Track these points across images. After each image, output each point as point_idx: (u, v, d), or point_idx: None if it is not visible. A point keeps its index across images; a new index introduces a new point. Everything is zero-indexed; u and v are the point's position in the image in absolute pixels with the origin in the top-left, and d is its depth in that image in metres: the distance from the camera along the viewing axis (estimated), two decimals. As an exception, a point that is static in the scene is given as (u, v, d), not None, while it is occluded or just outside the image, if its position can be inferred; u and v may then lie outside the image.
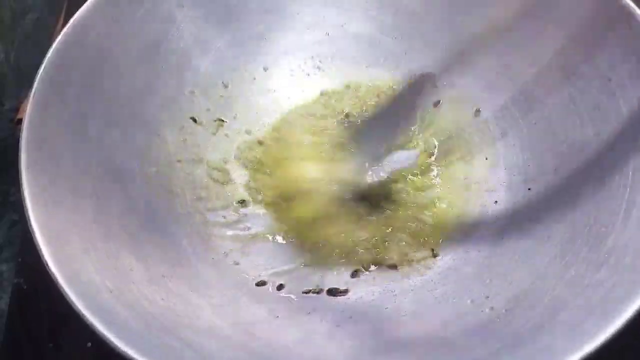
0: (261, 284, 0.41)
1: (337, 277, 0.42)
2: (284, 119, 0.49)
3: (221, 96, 0.48)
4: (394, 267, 0.42)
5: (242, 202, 0.45)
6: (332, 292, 0.41)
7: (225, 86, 0.48)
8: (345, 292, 0.41)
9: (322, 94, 0.50)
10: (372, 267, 0.42)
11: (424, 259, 0.42)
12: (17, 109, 0.50)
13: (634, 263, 0.32)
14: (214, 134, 0.47)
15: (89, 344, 0.41)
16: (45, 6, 0.54)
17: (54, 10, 0.55)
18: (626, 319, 0.29)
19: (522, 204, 0.42)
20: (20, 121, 0.36)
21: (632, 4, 0.38)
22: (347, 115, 0.49)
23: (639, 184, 0.35)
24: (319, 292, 0.41)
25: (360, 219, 0.44)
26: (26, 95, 0.37)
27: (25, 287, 0.44)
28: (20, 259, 0.45)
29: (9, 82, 0.50)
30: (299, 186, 0.45)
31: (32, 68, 0.37)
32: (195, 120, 0.46)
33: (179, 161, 0.45)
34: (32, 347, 0.42)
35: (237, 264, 0.42)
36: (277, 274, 0.42)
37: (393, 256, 0.42)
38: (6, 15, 0.50)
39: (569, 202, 0.38)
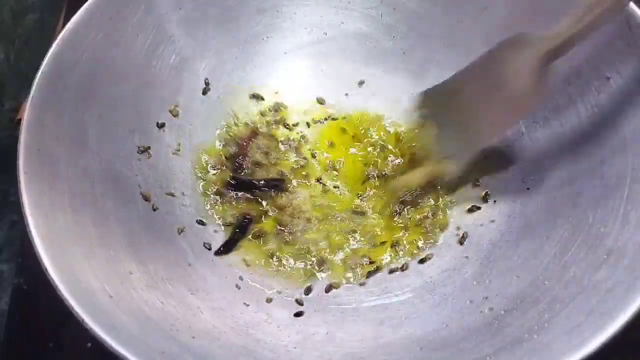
0: (260, 285, 0.41)
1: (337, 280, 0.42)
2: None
3: (219, 97, 0.48)
4: (395, 270, 0.42)
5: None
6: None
7: (224, 87, 0.48)
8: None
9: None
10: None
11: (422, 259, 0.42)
12: (17, 109, 0.50)
13: (633, 263, 0.32)
14: (213, 135, 0.47)
15: (89, 344, 0.41)
16: (45, 6, 0.54)
17: (54, 10, 0.55)
18: (625, 319, 0.29)
19: (520, 204, 0.42)
20: (20, 122, 0.36)
21: (632, 4, 0.38)
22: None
23: (637, 184, 0.35)
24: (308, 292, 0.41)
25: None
26: (26, 96, 0.37)
27: (25, 287, 0.44)
28: (20, 259, 0.45)
29: (9, 82, 0.50)
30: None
31: (32, 68, 0.37)
32: (193, 123, 0.47)
33: (177, 164, 0.45)
34: (32, 347, 0.42)
35: (236, 266, 0.42)
36: (277, 276, 0.42)
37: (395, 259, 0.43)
38: (6, 16, 0.50)
39: (567, 202, 0.38)
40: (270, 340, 0.36)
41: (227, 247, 0.42)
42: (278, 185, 0.45)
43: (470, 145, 0.42)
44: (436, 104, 0.45)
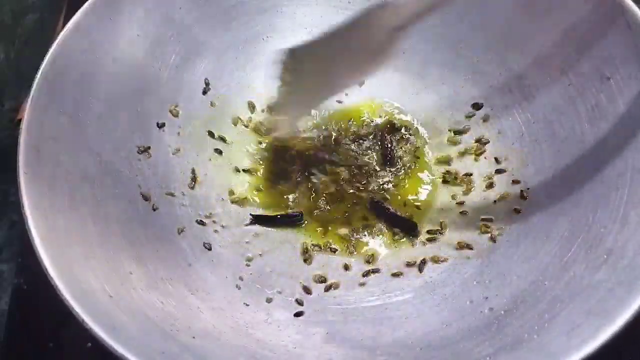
0: (260, 285, 0.41)
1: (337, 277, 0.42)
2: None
3: (219, 97, 0.48)
4: (397, 275, 0.42)
5: (238, 202, 0.45)
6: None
7: (224, 87, 0.48)
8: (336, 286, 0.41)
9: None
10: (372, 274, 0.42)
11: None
12: (17, 109, 0.50)
13: (633, 263, 0.32)
14: (213, 136, 0.47)
15: (89, 344, 0.41)
16: (45, 6, 0.54)
17: (54, 10, 0.55)
18: (625, 319, 0.29)
19: (520, 204, 0.42)
20: (20, 122, 0.36)
21: (631, 3, 0.38)
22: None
23: (638, 183, 0.35)
24: (309, 292, 0.41)
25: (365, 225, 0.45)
26: (26, 96, 0.37)
27: (25, 287, 0.44)
28: (20, 260, 0.45)
29: (9, 82, 0.50)
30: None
31: (32, 68, 0.37)
32: (193, 123, 0.46)
33: (178, 164, 0.45)
34: (32, 347, 0.42)
35: (237, 266, 0.42)
36: (276, 276, 0.42)
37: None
38: (6, 16, 0.50)
39: (567, 202, 0.38)
40: (270, 340, 0.36)
41: (261, 219, 0.44)
42: (296, 218, 0.44)
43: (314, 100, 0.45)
44: (300, 62, 0.45)
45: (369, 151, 0.48)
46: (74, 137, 0.38)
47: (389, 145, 0.47)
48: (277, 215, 0.45)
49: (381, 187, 0.46)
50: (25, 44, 0.52)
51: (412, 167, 0.47)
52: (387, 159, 0.47)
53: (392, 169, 0.47)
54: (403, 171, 0.47)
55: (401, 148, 0.48)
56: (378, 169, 0.47)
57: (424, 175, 0.47)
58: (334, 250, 0.43)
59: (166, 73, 0.45)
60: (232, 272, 0.41)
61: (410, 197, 0.46)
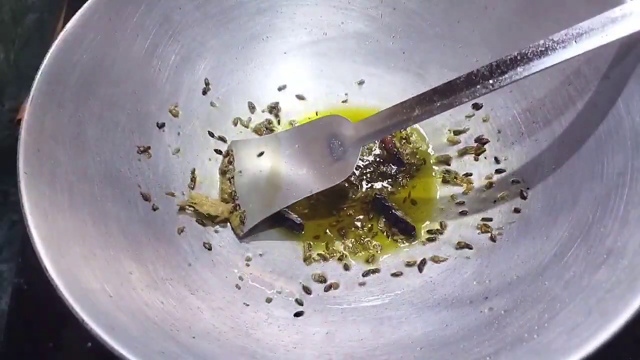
0: (260, 285, 0.41)
1: (336, 277, 0.42)
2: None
3: (219, 97, 0.48)
4: (397, 275, 0.42)
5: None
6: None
7: (224, 88, 0.48)
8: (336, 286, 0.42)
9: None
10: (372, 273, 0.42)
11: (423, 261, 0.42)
12: (17, 109, 0.50)
13: (632, 263, 0.32)
14: (213, 136, 0.47)
15: (89, 344, 0.41)
16: (45, 6, 0.54)
17: (54, 10, 0.55)
18: (625, 319, 0.29)
19: (520, 204, 0.42)
20: (20, 122, 0.36)
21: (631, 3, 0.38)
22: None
23: (637, 183, 0.35)
24: (309, 292, 0.41)
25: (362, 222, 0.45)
26: (26, 96, 0.37)
27: (25, 287, 0.44)
28: (20, 259, 0.45)
29: (9, 82, 0.50)
30: None
31: (32, 68, 0.37)
32: (193, 123, 0.47)
33: (178, 164, 0.45)
34: (32, 347, 0.42)
35: (236, 266, 0.42)
36: (277, 276, 0.42)
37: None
38: (6, 15, 0.50)
39: (567, 202, 0.38)
40: (270, 340, 0.36)
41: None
42: (297, 227, 0.44)
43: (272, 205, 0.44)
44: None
45: (371, 151, 0.48)
46: (74, 137, 0.38)
47: (391, 146, 0.47)
48: (283, 214, 0.44)
49: (382, 186, 0.46)
50: (25, 44, 0.52)
51: (413, 167, 0.47)
52: (394, 159, 0.47)
53: (394, 169, 0.47)
54: (404, 171, 0.47)
55: (404, 148, 0.48)
56: (378, 168, 0.47)
57: (424, 175, 0.47)
58: (332, 255, 0.44)
59: (166, 73, 0.45)
60: (232, 272, 0.41)
61: (410, 196, 0.46)
